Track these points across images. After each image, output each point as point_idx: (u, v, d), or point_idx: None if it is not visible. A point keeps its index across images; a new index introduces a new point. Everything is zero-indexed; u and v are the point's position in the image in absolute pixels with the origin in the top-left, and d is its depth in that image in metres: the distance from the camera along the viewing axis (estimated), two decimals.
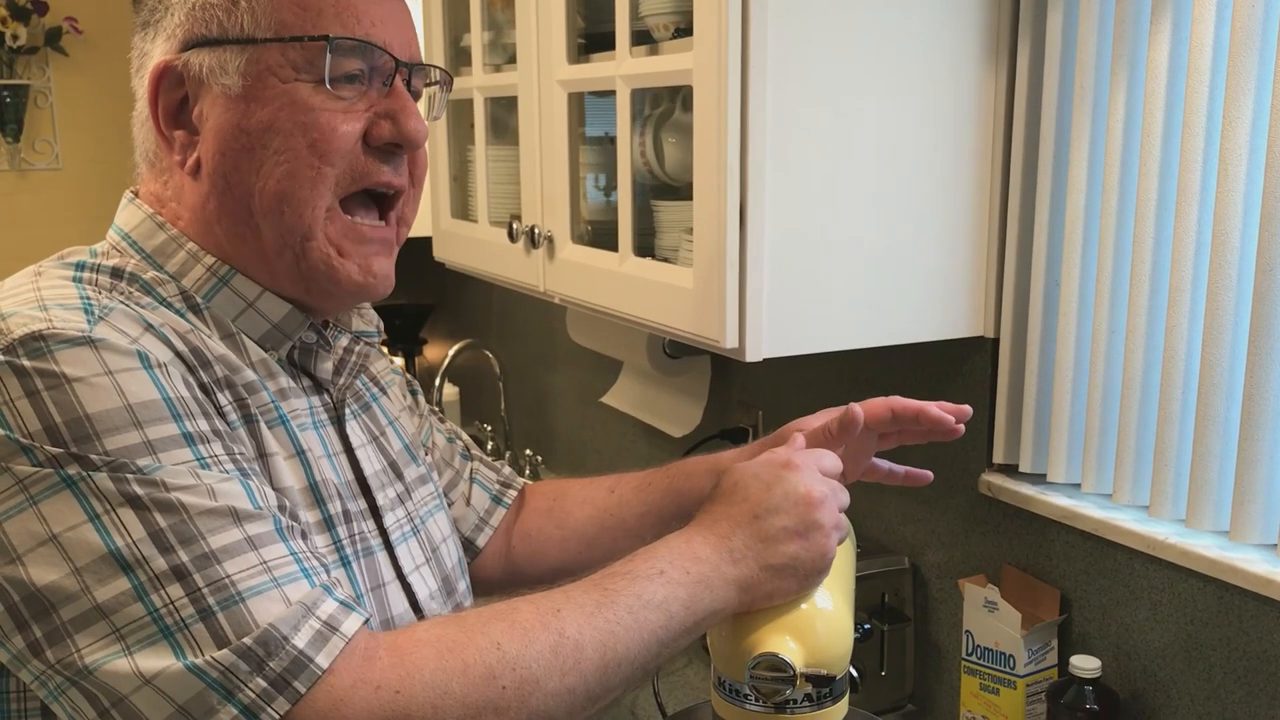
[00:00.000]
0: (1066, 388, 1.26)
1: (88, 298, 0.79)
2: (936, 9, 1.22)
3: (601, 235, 1.50)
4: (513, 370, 2.68)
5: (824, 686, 0.87)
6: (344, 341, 0.96)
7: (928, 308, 1.29)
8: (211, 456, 0.75)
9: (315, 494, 0.86)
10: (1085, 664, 1.19)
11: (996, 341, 1.34)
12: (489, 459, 1.24)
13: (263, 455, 0.83)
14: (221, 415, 0.80)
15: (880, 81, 1.20)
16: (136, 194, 0.92)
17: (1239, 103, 1.05)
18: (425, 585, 0.96)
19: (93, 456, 0.71)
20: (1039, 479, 1.32)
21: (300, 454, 0.86)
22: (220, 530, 0.72)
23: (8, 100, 3.38)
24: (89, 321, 0.75)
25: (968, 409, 1.01)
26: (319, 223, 0.86)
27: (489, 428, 2.74)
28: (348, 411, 0.95)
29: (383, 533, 0.93)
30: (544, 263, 1.54)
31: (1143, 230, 1.16)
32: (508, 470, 1.24)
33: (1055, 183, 1.25)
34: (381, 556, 0.92)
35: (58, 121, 3.52)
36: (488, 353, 2.68)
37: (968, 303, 1.32)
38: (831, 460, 0.92)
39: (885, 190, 1.23)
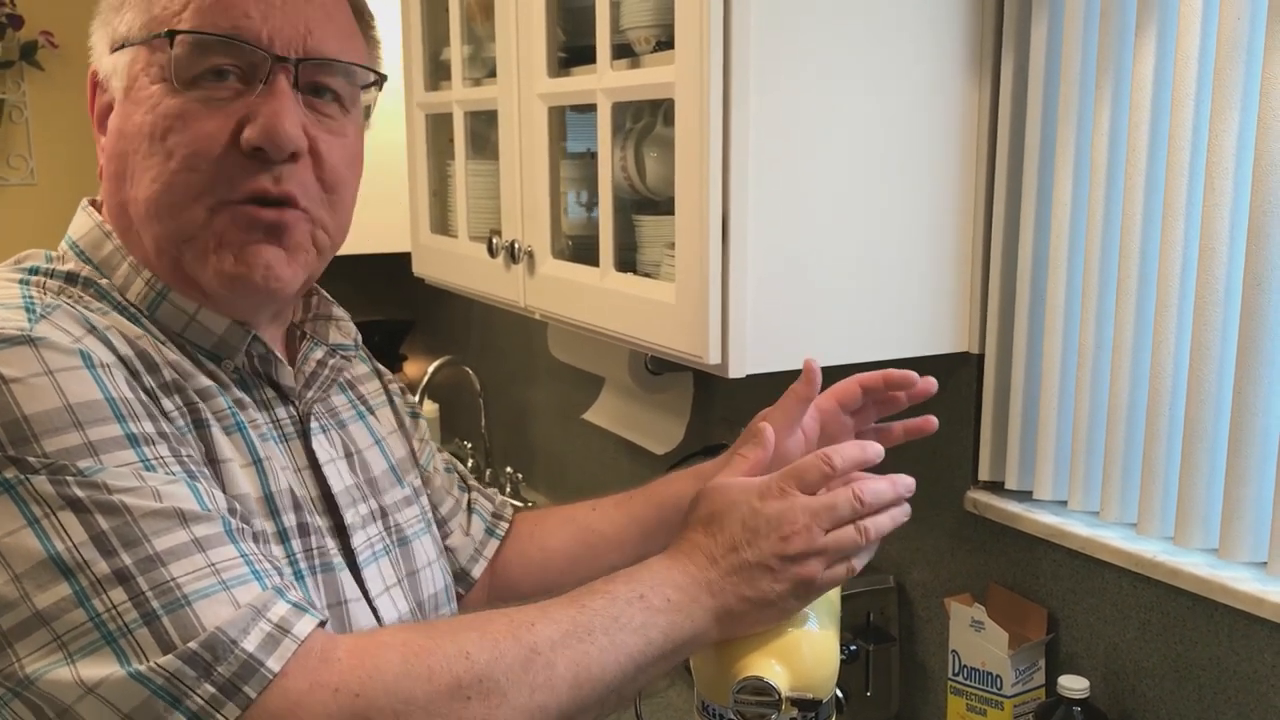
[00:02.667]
0: (1053, 404, 1.24)
1: (30, 298, 0.77)
2: (920, 22, 1.21)
3: (582, 250, 1.48)
4: (493, 387, 2.66)
5: (809, 710, 0.85)
6: (318, 354, 0.94)
7: (912, 323, 1.28)
8: (157, 458, 0.73)
9: (270, 504, 0.83)
10: (1073, 684, 1.17)
11: (982, 357, 1.33)
12: (484, 489, 1.22)
13: (214, 461, 0.80)
14: (168, 419, 0.77)
15: (863, 95, 1.19)
16: (94, 201, 0.90)
17: (1225, 115, 1.05)
18: (394, 608, 0.93)
19: (30, 459, 0.68)
20: (1025, 496, 1.31)
21: (257, 462, 0.84)
22: (165, 532, 0.70)
23: None
24: (30, 320, 0.73)
25: (933, 379, 1.03)
26: (196, 224, 0.82)
27: (469, 445, 2.71)
28: (314, 425, 0.92)
29: (348, 551, 0.90)
30: (524, 278, 1.53)
31: (1129, 244, 1.15)
32: (500, 499, 1.22)
33: (1040, 196, 1.24)
34: (344, 575, 0.89)
35: (33, 136, 3.48)
36: (468, 369, 2.66)
37: (952, 318, 1.30)
38: (813, 469, 0.87)
39: (869, 205, 1.22)
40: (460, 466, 1.21)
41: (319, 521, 0.88)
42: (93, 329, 0.76)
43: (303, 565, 0.85)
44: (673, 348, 1.21)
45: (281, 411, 0.90)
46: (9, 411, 0.69)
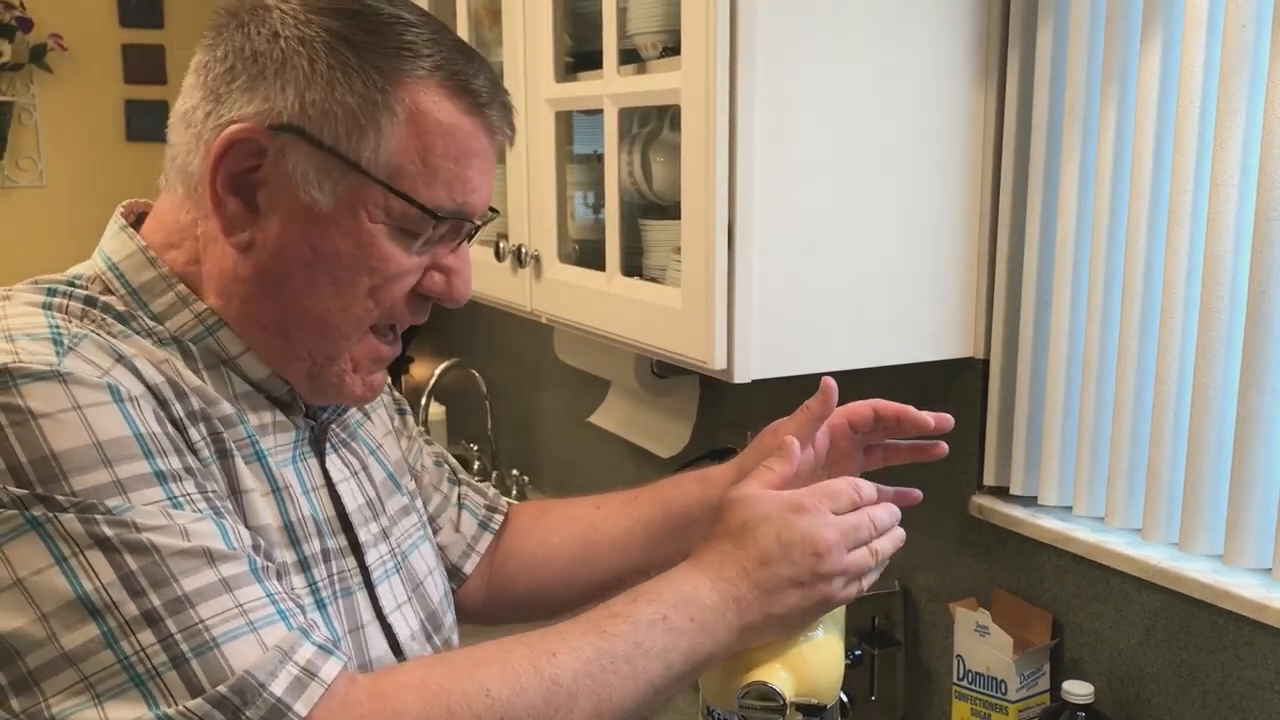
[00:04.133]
0: (1058, 409, 1.25)
1: (57, 327, 0.75)
2: (926, 29, 1.21)
3: (589, 254, 1.48)
4: (500, 390, 2.66)
5: (814, 715, 0.85)
6: None
7: (918, 328, 1.28)
8: (184, 495, 0.72)
9: (291, 534, 0.83)
10: (1078, 689, 1.17)
11: (987, 363, 1.33)
12: (475, 481, 1.22)
13: (237, 492, 0.80)
14: (194, 451, 0.77)
15: (870, 101, 1.20)
16: (131, 218, 0.87)
17: (1230, 123, 1.05)
18: (406, 625, 0.93)
19: (59, 497, 0.68)
20: (1030, 501, 1.31)
21: (276, 491, 0.83)
22: (194, 572, 0.69)
23: None
24: (57, 353, 0.72)
25: (949, 418, 1.01)
26: (350, 349, 0.85)
27: (475, 447, 2.72)
28: (329, 445, 0.92)
29: (364, 570, 0.90)
30: (531, 282, 1.53)
31: (1134, 251, 1.15)
32: (493, 492, 1.21)
33: (1045, 203, 1.24)
34: (361, 596, 0.89)
35: (42, 138, 3.50)
36: (474, 372, 2.67)
37: (958, 323, 1.31)
38: (845, 493, 0.89)
39: (874, 210, 1.22)
40: (451, 459, 1.21)
41: (337, 542, 0.88)
42: (120, 358, 0.75)
43: (324, 593, 0.85)
44: (678, 352, 1.21)
45: (300, 431, 0.89)
46: (37, 449, 0.68)
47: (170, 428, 0.75)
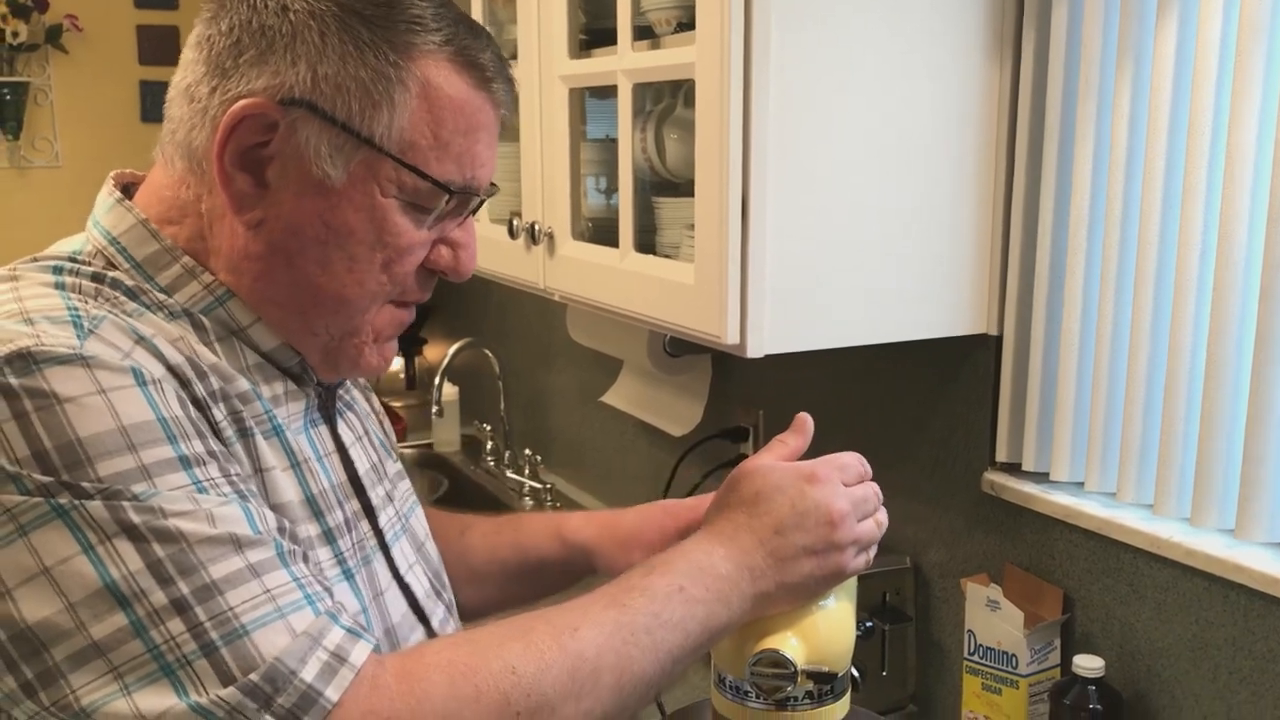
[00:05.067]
0: (1070, 385, 1.25)
1: (75, 309, 0.74)
2: (940, 4, 1.21)
3: (602, 232, 1.49)
4: (512, 369, 2.67)
5: (825, 684, 0.86)
6: None
7: (930, 304, 1.28)
8: (208, 479, 0.72)
9: (313, 506, 0.83)
10: (1089, 663, 1.18)
11: (1000, 339, 1.33)
12: None
13: (260, 471, 0.80)
14: (217, 433, 0.76)
15: (883, 77, 1.20)
16: (122, 187, 0.86)
17: (1246, 98, 1.04)
18: (420, 584, 0.95)
19: (85, 484, 0.67)
20: (1042, 477, 1.31)
21: (295, 466, 0.83)
22: (221, 559, 0.69)
23: (7, 97, 3.37)
24: (79, 336, 0.71)
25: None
26: (368, 323, 0.85)
27: (488, 427, 2.73)
28: (338, 407, 0.93)
29: (378, 533, 0.91)
30: (544, 260, 1.54)
31: (1148, 226, 1.15)
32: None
33: (1060, 178, 1.24)
34: (379, 560, 0.90)
35: (57, 119, 3.51)
36: (487, 352, 2.67)
37: (971, 299, 1.31)
38: (854, 465, 0.90)
39: (888, 186, 1.22)
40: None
41: (353, 507, 0.89)
42: (140, 339, 0.75)
43: (350, 563, 0.85)
44: (692, 328, 1.22)
45: (310, 398, 0.89)
46: (63, 434, 0.67)
47: (193, 409, 0.75)
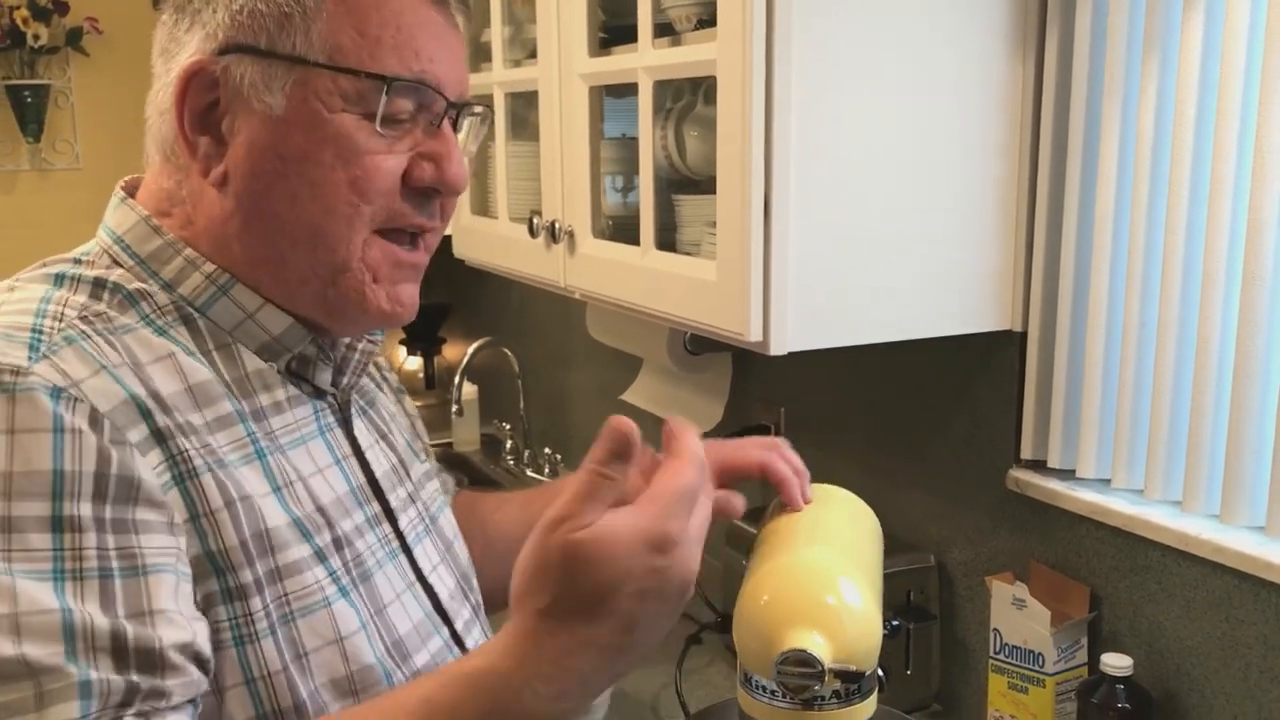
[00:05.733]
0: (1096, 381, 1.24)
1: (39, 329, 0.73)
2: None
3: (622, 229, 1.49)
4: (532, 368, 2.67)
5: (853, 683, 0.85)
6: (345, 339, 0.92)
7: (954, 301, 1.27)
8: (72, 549, 0.67)
9: (300, 528, 0.80)
10: (1117, 662, 1.17)
11: (1025, 335, 1.32)
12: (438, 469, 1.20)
13: (230, 502, 0.76)
14: (141, 485, 0.71)
15: (906, 71, 1.19)
16: (129, 192, 0.88)
17: (1273, 90, 1.03)
18: (444, 585, 0.94)
19: None
20: (1068, 475, 1.30)
21: (279, 490, 0.80)
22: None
23: (29, 100, 3.39)
24: (30, 359, 0.70)
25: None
26: (355, 255, 0.83)
27: (508, 426, 2.73)
28: (354, 410, 0.92)
29: (399, 535, 0.90)
30: (565, 258, 1.53)
31: (1174, 220, 1.14)
32: (444, 477, 1.17)
33: (1085, 173, 1.23)
34: (401, 560, 0.89)
35: (78, 121, 3.53)
36: (507, 351, 2.68)
37: (995, 296, 1.30)
38: (694, 485, 0.79)
39: (911, 182, 1.22)
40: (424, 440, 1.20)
41: (372, 509, 0.88)
42: (102, 368, 0.73)
43: (344, 581, 0.82)
44: (713, 325, 1.21)
45: (321, 402, 0.88)
46: None
47: (130, 450, 0.71)
